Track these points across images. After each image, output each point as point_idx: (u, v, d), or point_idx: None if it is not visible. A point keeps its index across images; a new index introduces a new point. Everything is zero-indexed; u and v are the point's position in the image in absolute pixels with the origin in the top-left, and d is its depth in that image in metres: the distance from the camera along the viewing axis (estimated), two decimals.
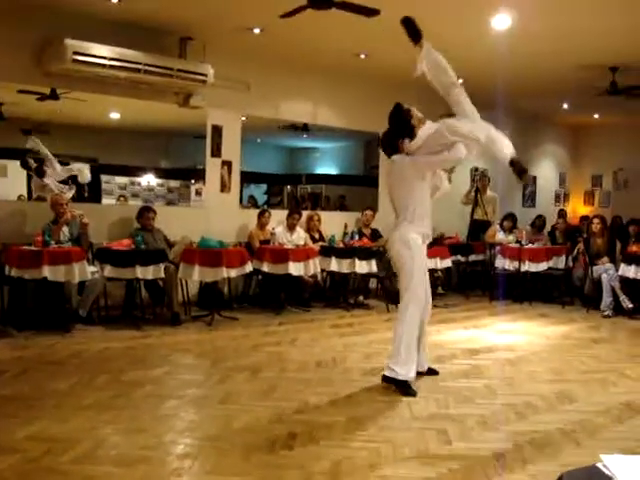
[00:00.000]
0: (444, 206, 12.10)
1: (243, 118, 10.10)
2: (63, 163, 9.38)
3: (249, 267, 8.55)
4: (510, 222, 11.46)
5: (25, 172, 9.25)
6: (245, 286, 9.68)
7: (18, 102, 8.63)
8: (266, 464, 3.75)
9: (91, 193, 9.86)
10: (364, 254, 9.49)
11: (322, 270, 9.61)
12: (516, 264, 10.46)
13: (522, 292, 10.60)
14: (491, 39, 8.58)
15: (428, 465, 3.78)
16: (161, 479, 3.55)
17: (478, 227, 11.76)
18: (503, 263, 10.71)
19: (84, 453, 3.82)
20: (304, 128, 10.94)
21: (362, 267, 9.40)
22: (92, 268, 7.78)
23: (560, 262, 10.69)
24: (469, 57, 9.65)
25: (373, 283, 10.67)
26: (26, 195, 9.05)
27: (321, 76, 10.64)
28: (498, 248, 11.00)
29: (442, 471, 3.70)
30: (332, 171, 13.44)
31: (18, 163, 8.95)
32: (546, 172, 15.65)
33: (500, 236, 11.31)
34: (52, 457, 3.74)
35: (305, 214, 10.35)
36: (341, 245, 9.76)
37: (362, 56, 9.86)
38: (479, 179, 12.33)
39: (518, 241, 10.78)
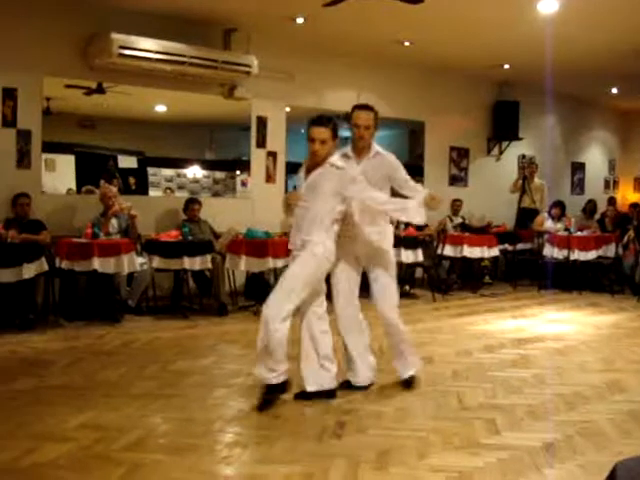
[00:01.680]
0: (492, 194, 12.05)
1: (287, 109, 10.12)
2: (109, 156, 9.53)
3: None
4: (558, 210, 11.28)
5: (73, 166, 9.41)
6: None
7: (65, 97, 8.76)
8: (314, 453, 3.76)
9: (138, 185, 9.98)
10: (410, 243, 9.43)
11: None
12: (565, 252, 10.31)
13: (571, 281, 10.44)
14: (538, 23, 8.43)
15: (476, 455, 3.75)
16: (210, 467, 3.59)
17: (526, 215, 11.61)
18: (551, 252, 10.56)
19: (134, 441, 3.87)
20: (348, 117, 10.89)
21: (408, 256, 9.34)
22: (140, 259, 7.87)
23: (610, 250, 10.51)
24: (515, 41, 9.53)
25: (419, 272, 10.62)
26: (75, 188, 9.19)
27: (365, 64, 10.59)
28: (546, 236, 10.85)
29: (491, 461, 3.66)
30: None
31: (66, 157, 9.12)
32: (595, 159, 15.36)
33: (548, 224, 11.14)
34: (104, 445, 3.80)
35: None
36: None
37: (406, 43, 9.79)
38: (527, 166, 12.17)
39: (567, 229, 10.63)
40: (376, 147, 4.95)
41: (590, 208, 12.08)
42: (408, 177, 5.04)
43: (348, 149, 4.96)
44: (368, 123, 4.89)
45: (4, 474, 3.40)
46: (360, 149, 4.90)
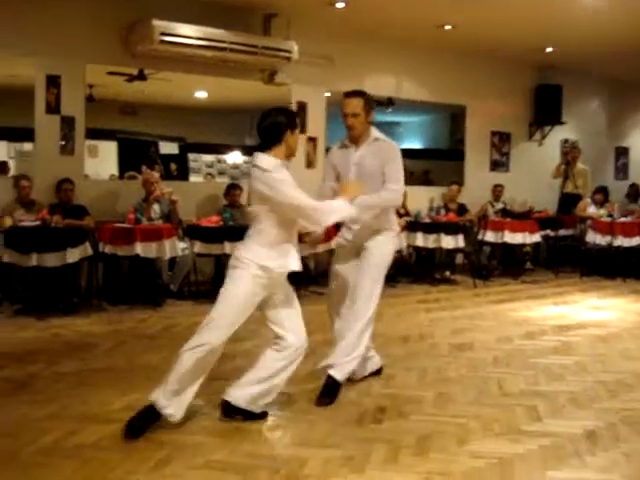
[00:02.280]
0: (534, 179, 11.91)
1: (327, 94, 10.09)
2: (151, 143, 9.62)
3: (335, 242, 8.55)
4: (602, 195, 11.10)
5: (115, 152, 9.53)
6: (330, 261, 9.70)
7: (108, 84, 8.85)
8: (354, 437, 3.78)
9: (179, 171, 10.07)
10: (450, 229, 9.38)
11: (408, 245, 9.57)
12: (608, 239, 10.15)
13: (614, 268, 10.28)
14: (582, 4, 8.29)
15: (518, 442, 3.74)
16: (251, 449, 3.62)
17: (568, 201, 11.45)
18: (594, 238, 10.41)
19: (177, 423, 3.91)
20: (388, 102, 10.84)
21: (448, 242, 9.30)
22: (182, 244, 7.95)
23: None
24: (559, 24, 9.38)
25: (459, 258, 10.55)
26: (117, 174, 9.30)
27: (405, 49, 10.51)
28: (589, 222, 10.70)
29: (532, 448, 3.65)
30: (416, 145, 13.29)
31: (108, 143, 9.24)
32: (639, 143, 15.06)
33: (591, 210, 10.98)
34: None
35: None
36: (427, 220, 9.67)
37: (447, 27, 9.69)
38: (569, 151, 11.99)
39: (610, 215, 10.46)
40: (375, 133, 4.64)
41: (633, 193, 11.88)
42: (397, 177, 4.61)
43: (346, 139, 4.70)
44: (356, 110, 4.49)
45: (48, 455, 3.47)
46: (356, 137, 4.60)
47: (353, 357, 4.52)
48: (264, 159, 3.84)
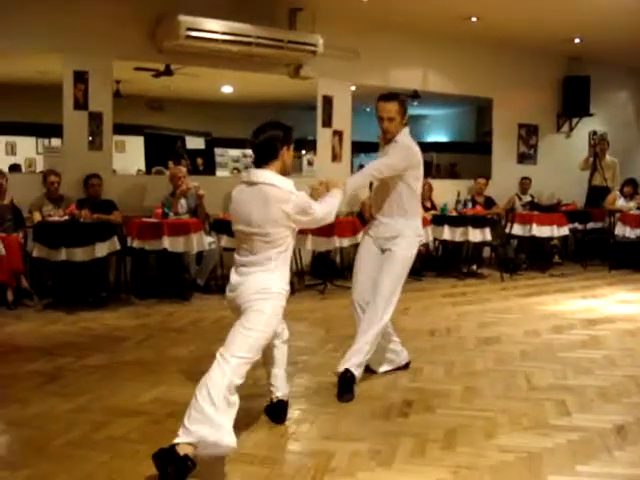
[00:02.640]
0: (561, 172, 11.80)
1: (353, 87, 10.08)
2: (177, 138, 9.67)
3: (361, 237, 8.56)
4: (631, 188, 10.96)
5: (142, 147, 9.59)
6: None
7: (134, 79, 8.92)
8: (381, 430, 3.79)
9: (205, 166, 10.11)
10: (477, 222, 9.33)
11: (434, 239, 9.53)
12: (637, 232, 10.02)
13: None
14: None
15: (546, 436, 3.72)
16: (279, 442, 3.65)
17: (597, 193, 11.33)
18: (623, 231, 10.28)
19: None
20: (414, 95, 10.79)
21: (475, 235, 9.24)
22: (209, 239, 7.99)
23: None
24: (587, 15, 9.28)
25: (486, 252, 10.50)
26: (144, 169, 9.37)
27: (431, 42, 10.45)
28: (618, 215, 10.58)
29: (560, 442, 3.62)
30: (443, 138, 13.23)
31: (135, 138, 9.31)
32: None
33: (620, 203, 10.86)
34: (175, 420, 3.86)
35: None
36: (454, 213, 9.62)
37: (473, 19, 9.62)
38: (598, 143, 11.85)
39: (639, 208, 10.34)
40: (401, 135, 4.61)
41: None
42: (386, 162, 4.57)
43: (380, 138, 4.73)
44: (391, 115, 4.51)
45: (78, 447, 3.51)
46: (389, 140, 4.62)
47: (362, 362, 4.51)
48: (274, 177, 3.63)
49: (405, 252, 4.63)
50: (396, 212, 4.66)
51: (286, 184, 3.63)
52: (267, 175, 3.63)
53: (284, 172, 3.74)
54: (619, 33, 9.97)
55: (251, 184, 3.67)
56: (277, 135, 3.71)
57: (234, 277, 3.67)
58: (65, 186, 7.81)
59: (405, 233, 4.64)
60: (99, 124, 8.17)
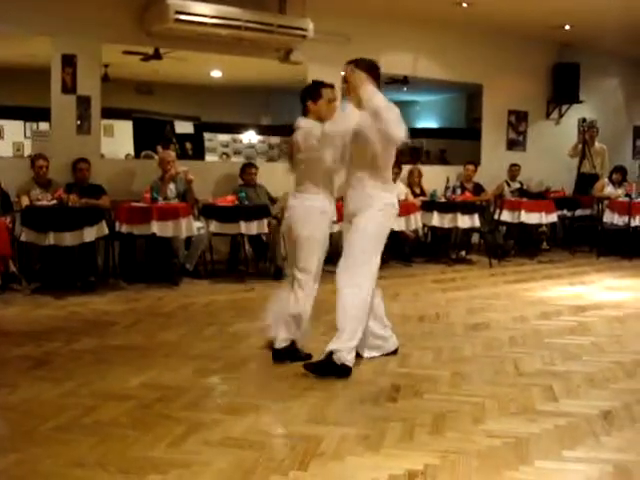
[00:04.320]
0: (550, 159, 11.82)
1: (343, 73, 10.02)
2: (166, 122, 9.63)
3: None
4: (619, 175, 11.01)
5: (131, 131, 9.55)
6: None
7: (123, 63, 8.86)
8: (370, 415, 3.80)
9: (194, 151, 10.08)
10: (466, 208, 9.34)
11: (423, 225, 9.54)
12: (626, 219, 10.07)
13: (632, 248, 10.21)
14: None
15: (533, 421, 3.74)
16: (268, 427, 3.66)
17: (586, 180, 11.37)
18: (612, 218, 10.33)
19: (194, 400, 3.96)
20: (404, 81, 10.78)
21: (464, 222, 9.27)
22: (198, 224, 7.97)
23: None
24: (577, 1, 9.26)
25: (475, 238, 10.52)
26: (133, 154, 9.33)
27: (421, 27, 10.41)
28: (607, 202, 10.62)
29: (548, 427, 3.64)
30: (432, 124, 13.23)
31: (124, 123, 9.27)
32: None
33: (609, 190, 10.90)
34: (164, 404, 3.90)
35: (405, 168, 10.22)
36: (443, 200, 9.63)
37: (464, 5, 9.59)
38: (587, 130, 11.88)
39: (628, 195, 10.37)
40: None
41: None
42: None
43: None
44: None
45: (67, 431, 3.51)
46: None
47: (354, 344, 4.53)
48: None
49: (368, 223, 4.67)
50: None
51: None
52: None
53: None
54: (609, 20, 9.96)
55: None
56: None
57: None
58: (53, 170, 7.75)
59: (371, 203, 4.64)
60: (87, 108, 8.11)
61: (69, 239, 6.95)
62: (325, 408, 3.90)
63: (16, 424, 3.62)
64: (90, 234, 7.05)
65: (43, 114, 8.03)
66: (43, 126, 8.29)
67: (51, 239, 6.84)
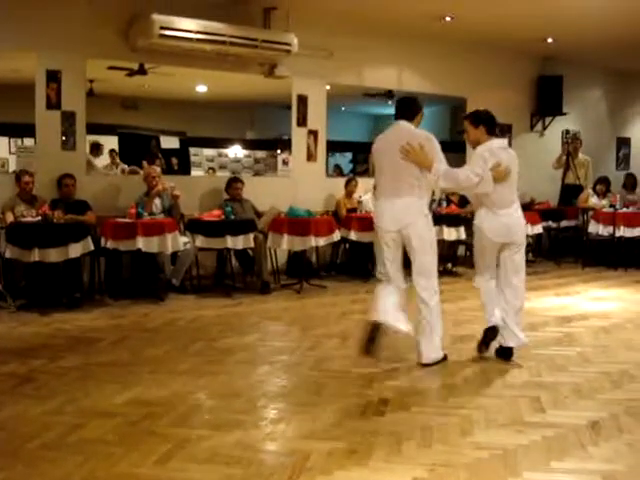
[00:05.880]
0: (535, 171, 11.86)
1: (328, 87, 10.07)
2: (152, 137, 9.63)
3: (337, 236, 8.60)
4: (603, 186, 11.09)
5: (116, 147, 9.54)
6: (333, 254, 9.72)
7: (108, 79, 8.85)
8: (357, 429, 3.78)
9: (180, 166, 10.08)
10: (452, 221, 9.38)
11: None
12: (610, 229, 10.14)
13: (616, 258, 10.27)
14: None
15: (521, 433, 3.74)
16: (255, 443, 3.63)
17: (570, 192, 11.44)
18: (596, 228, 10.39)
19: (181, 417, 3.94)
20: (388, 94, 10.82)
21: (450, 234, 9.30)
22: (184, 239, 7.95)
23: None
24: (559, 15, 9.35)
25: (461, 250, 10.55)
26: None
27: (405, 41, 10.47)
28: (591, 213, 10.69)
29: (535, 439, 3.65)
30: None
31: (109, 138, 9.27)
32: None
33: (593, 201, 10.97)
34: (150, 421, 3.88)
35: None
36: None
37: (447, 19, 9.66)
38: (571, 142, 11.96)
39: (612, 205, 10.43)
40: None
41: (630, 183, 11.84)
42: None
43: None
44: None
45: (53, 449, 3.48)
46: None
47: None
48: None
49: None
50: None
51: None
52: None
53: None
54: (591, 33, 10.07)
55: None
56: None
57: None
58: (38, 186, 7.71)
59: None
60: (72, 124, 8.08)
61: (54, 255, 6.90)
62: (313, 423, 3.89)
63: (1, 442, 3.59)
64: (75, 250, 7.01)
65: (28, 130, 7.99)
66: (28, 142, 8.25)
67: (36, 255, 6.79)
